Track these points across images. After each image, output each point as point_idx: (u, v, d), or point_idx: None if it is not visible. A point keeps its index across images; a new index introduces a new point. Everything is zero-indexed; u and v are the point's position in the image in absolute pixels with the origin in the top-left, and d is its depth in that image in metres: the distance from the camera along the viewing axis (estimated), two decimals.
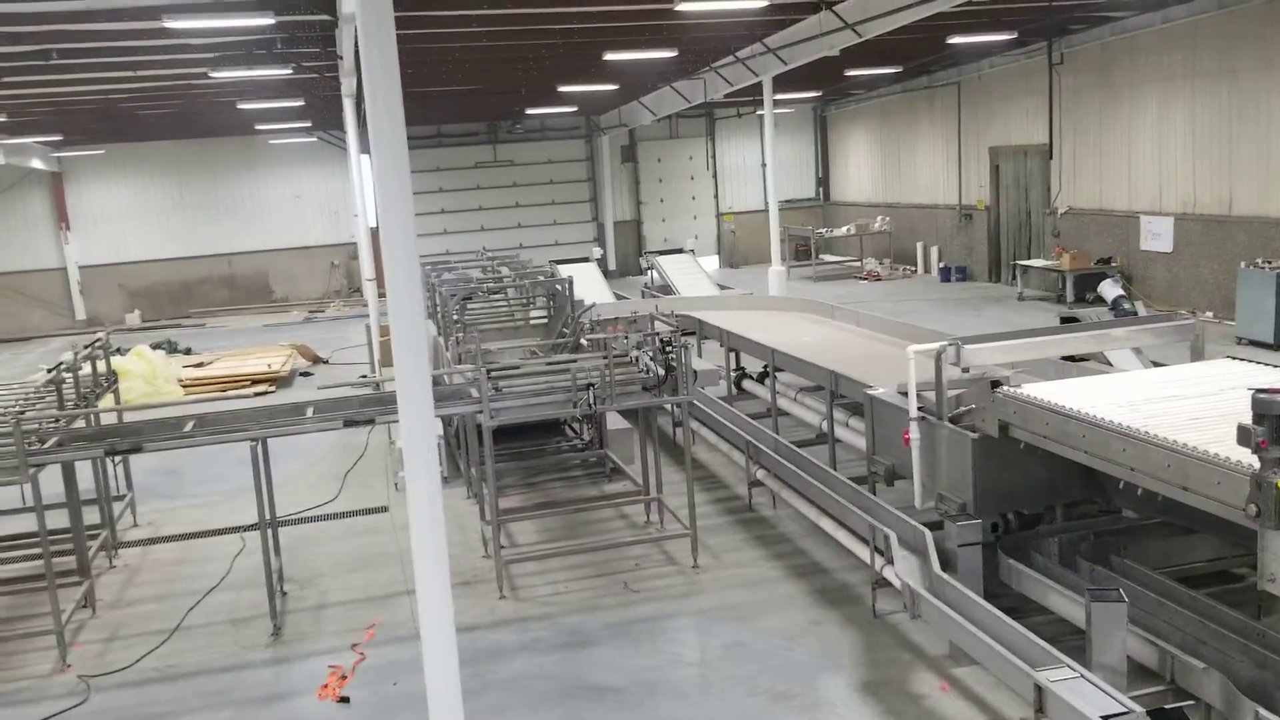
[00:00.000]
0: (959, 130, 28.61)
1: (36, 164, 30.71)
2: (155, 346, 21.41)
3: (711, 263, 28.32)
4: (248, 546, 10.76)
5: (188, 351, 23.02)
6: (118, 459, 11.66)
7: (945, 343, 7.68)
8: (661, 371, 9.36)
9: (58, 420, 9.21)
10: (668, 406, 11.15)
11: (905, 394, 7.86)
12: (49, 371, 10.23)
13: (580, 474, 12.87)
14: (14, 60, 16.46)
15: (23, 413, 8.82)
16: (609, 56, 19.32)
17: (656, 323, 11.59)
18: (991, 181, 27.40)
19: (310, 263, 35.10)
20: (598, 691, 7.50)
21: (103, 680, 8.08)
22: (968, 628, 6.21)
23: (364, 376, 15.57)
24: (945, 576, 6.79)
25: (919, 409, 7.76)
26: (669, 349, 9.35)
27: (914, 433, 7.72)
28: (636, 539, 10.45)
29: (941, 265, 29.07)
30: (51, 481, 8.79)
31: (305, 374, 21.15)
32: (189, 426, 8.81)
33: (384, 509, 11.88)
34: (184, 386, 18.90)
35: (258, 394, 18.32)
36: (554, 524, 11.14)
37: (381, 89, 4.91)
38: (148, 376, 17.88)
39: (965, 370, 7.76)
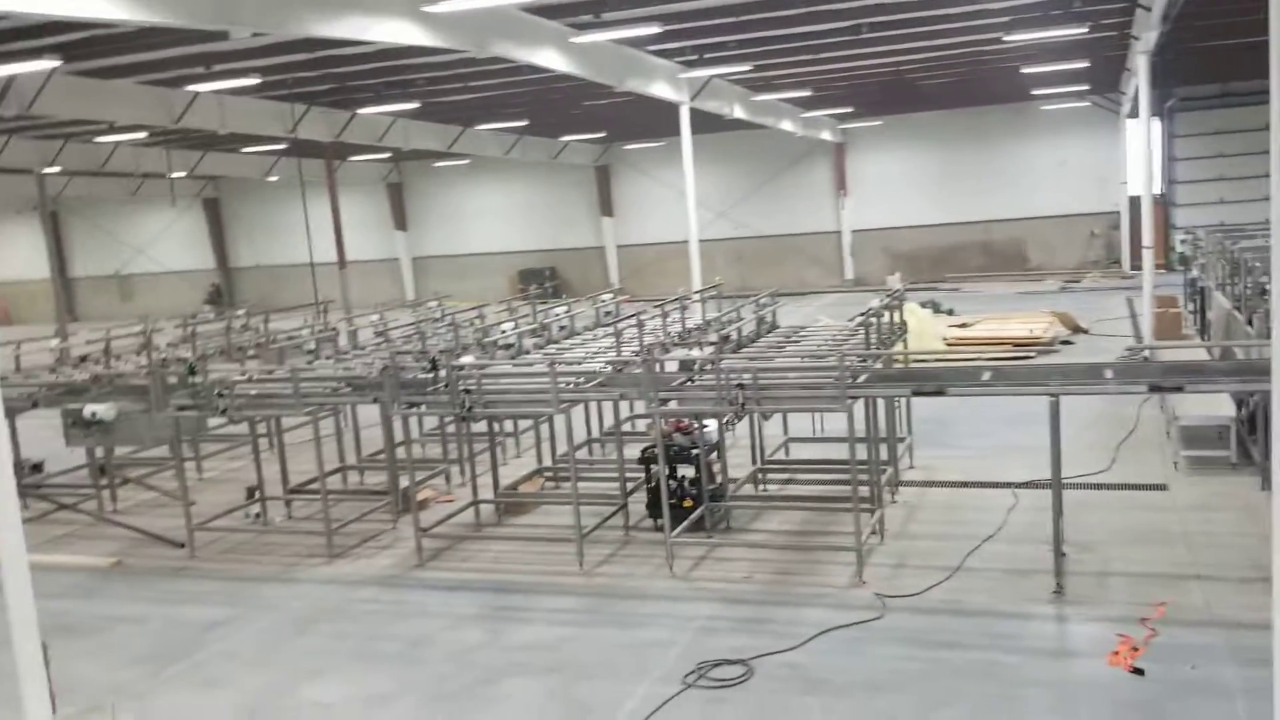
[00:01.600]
0: None
1: (825, 136, 34.01)
2: (922, 306, 22.59)
3: None
4: (1020, 503, 10.86)
5: (950, 312, 23.88)
6: (900, 402, 12.47)
7: None
8: None
9: (865, 360, 10.09)
10: None
11: None
12: (860, 316, 11.25)
13: None
14: (827, 38, 18.28)
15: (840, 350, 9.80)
16: None
17: None
18: None
19: (1069, 232, 34.22)
20: None
21: (894, 601, 8.75)
22: None
23: (1129, 350, 14.74)
24: None
25: None
26: None
27: None
28: None
29: None
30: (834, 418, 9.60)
31: (1065, 342, 20.73)
32: (986, 376, 9.08)
33: (1163, 486, 11.19)
34: (948, 344, 19.64)
35: (1018, 358, 18.35)
36: None
37: None
38: (917, 332, 18.84)
39: None
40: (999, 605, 8.60)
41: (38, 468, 14.51)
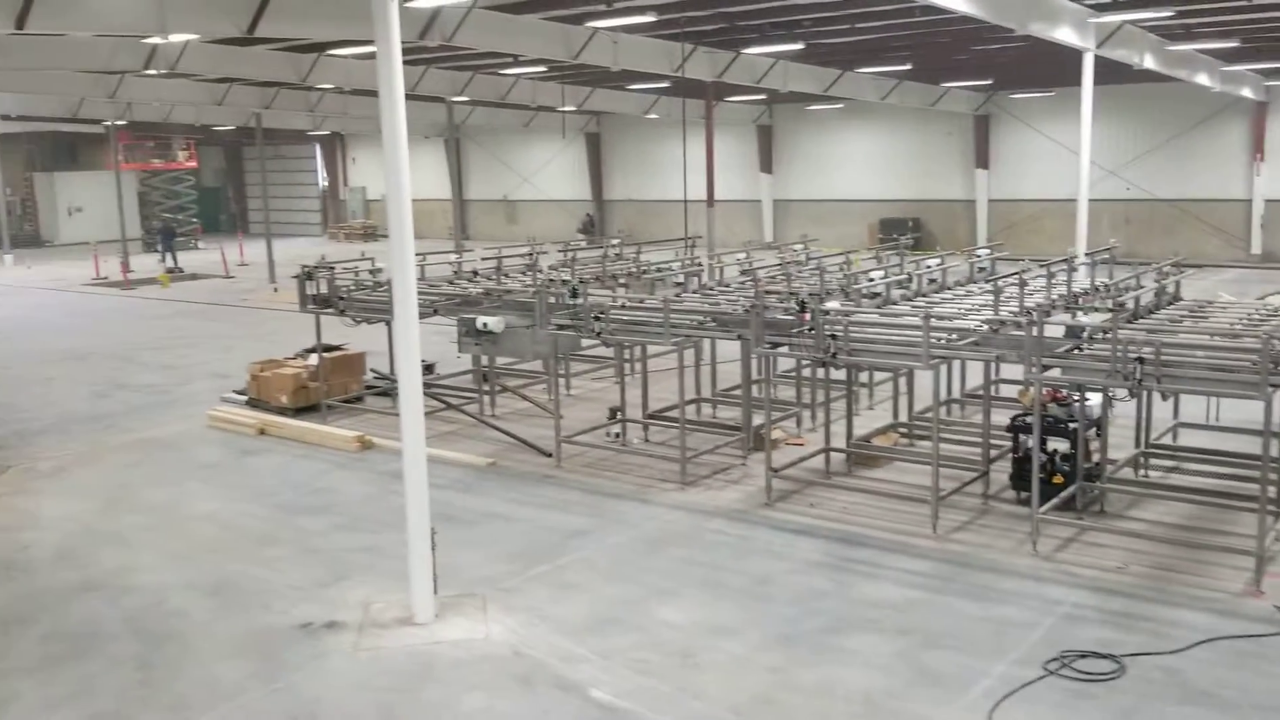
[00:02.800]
0: None
1: (1245, 92, 30.29)
2: None
3: None
4: None
5: None
6: None
7: None
8: None
9: None
10: None
11: None
12: None
13: None
14: None
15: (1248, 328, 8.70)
16: None
17: None
18: None
19: None
20: None
21: None
22: None
23: None
24: None
25: None
26: None
27: None
28: None
29: None
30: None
31: None
32: None
33: None
34: None
35: None
36: None
37: None
38: None
39: None
40: None
41: (430, 368, 15.95)
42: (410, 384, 8.03)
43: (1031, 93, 34.04)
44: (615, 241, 18.38)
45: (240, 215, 55.67)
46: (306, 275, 14.29)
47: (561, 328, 11.82)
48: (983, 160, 37.05)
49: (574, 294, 11.62)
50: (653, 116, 37.41)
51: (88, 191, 48.64)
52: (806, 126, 40.29)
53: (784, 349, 10.60)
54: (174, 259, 36.72)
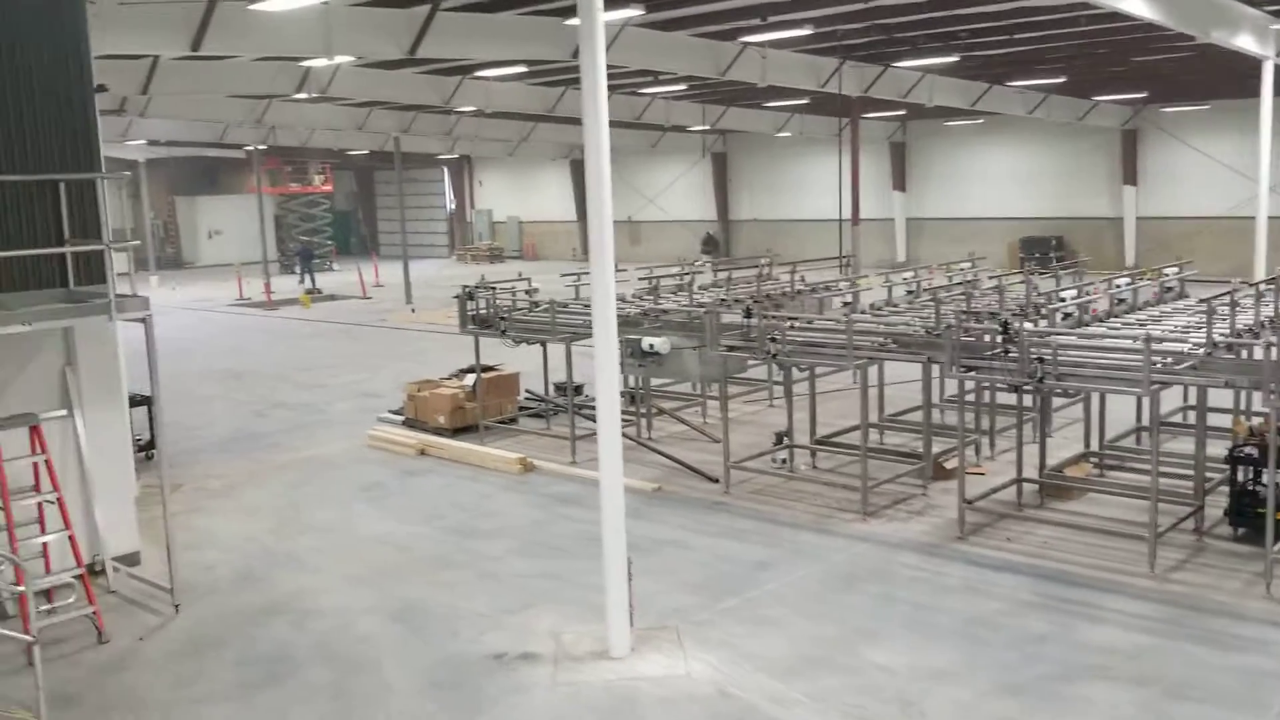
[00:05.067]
0: None
1: None
2: None
3: None
4: None
5: None
6: None
7: None
8: None
9: None
10: None
11: None
12: None
13: None
14: None
15: None
16: None
17: None
18: None
19: None
20: None
21: None
22: None
23: None
24: None
25: None
26: None
27: None
28: None
29: None
30: None
31: None
32: None
33: None
34: None
35: None
36: None
37: None
38: None
39: None
40: None
41: (579, 389, 15.70)
42: (609, 411, 7.71)
43: (1185, 106, 32.52)
44: (765, 261, 17.95)
45: (371, 237, 56.88)
46: (468, 295, 14.19)
47: (732, 349, 11.44)
48: (1130, 176, 35.54)
49: (748, 314, 11.23)
50: (785, 134, 36.90)
51: (227, 215, 50.41)
52: (942, 143, 39.29)
53: (981, 372, 10.00)
54: (313, 280, 37.61)
